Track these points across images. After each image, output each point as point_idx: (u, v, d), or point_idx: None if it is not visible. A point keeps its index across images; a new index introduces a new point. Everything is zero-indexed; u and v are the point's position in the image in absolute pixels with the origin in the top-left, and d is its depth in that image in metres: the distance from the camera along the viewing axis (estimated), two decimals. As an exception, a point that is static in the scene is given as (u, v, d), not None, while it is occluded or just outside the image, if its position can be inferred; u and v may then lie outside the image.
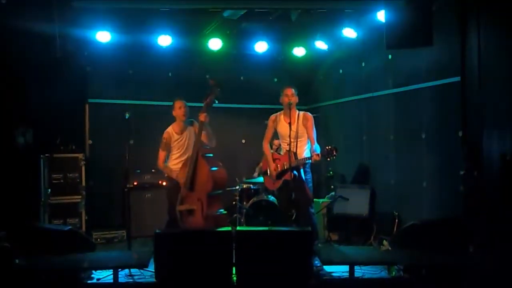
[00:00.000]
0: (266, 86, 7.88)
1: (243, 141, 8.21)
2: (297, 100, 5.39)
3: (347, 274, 4.40)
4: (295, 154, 5.19)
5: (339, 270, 4.72)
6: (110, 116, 7.11)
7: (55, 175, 6.58)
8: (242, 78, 8.25)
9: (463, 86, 5.31)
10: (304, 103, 8.11)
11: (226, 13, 6.51)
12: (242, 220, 6.77)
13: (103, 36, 6.71)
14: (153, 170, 5.74)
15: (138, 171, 6.96)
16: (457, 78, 5.36)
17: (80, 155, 6.73)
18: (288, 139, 5.15)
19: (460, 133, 5.33)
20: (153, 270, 4.35)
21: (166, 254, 4.28)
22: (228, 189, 6.68)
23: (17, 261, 4.35)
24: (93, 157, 7.14)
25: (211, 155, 5.49)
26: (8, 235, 4.58)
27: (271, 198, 6.69)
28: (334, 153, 4.92)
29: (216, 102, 5.40)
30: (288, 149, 5.16)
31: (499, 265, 4.19)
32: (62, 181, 6.60)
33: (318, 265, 4.72)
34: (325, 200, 6.94)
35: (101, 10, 6.26)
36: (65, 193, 6.59)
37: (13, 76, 6.32)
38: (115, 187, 6.99)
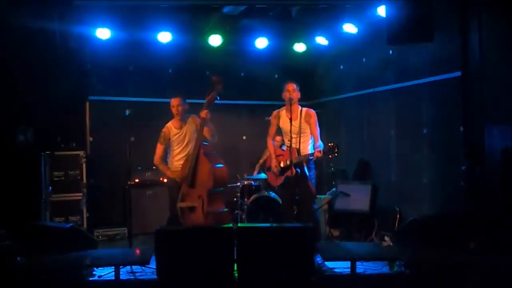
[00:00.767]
0: (267, 82, 7.87)
1: (244, 137, 8.20)
2: (299, 96, 5.38)
3: (349, 270, 4.40)
4: (298, 150, 5.18)
5: (340, 266, 4.71)
6: (111, 113, 7.11)
7: (56, 173, 6.59)
8: (242, 74, 8.25)
9: (464, 81, 5.30)
10: (305, 99, 8.09)
11: (226, 9, 6.49)
12: (243, 216, 6.77)
13: (103, 33, 6.70)
14: (154, 168, 5.74)
15: (139, 168, 6.96)
16: (458, 73, 5.35)
17: (81, 153, 6.73)
18: (289, 135, 5.13)
19: (461, 129, 5.31)
20: (155, 267, 4.35)
21: (167, 251, 4.28)
22: (229, 185, 6.69)
23: (18, 259, 4.35)
24: (94, 155, 7.15)
25: (214, 152, 5.48)
26: (9, 233, 4.58)
27: (273, 194, 6.69)
28: (336, 151, 4.91)
29: (218, 98, 5.39)
30: (292, 145, 5.15)
31: (500, 260, 4.19)
32: (63, 178, 6.61)
33: (320, 261, 4.72)
34: (326, 196, 6.93)
35: (101, 7, 6.25)
36: (66, 191, 6.60)
37: (14, 73, 6.32)
38: (116, 184, 6.99)
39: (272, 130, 5.59)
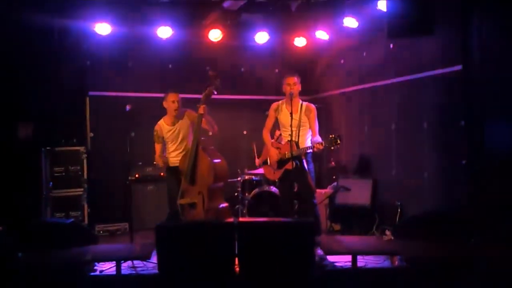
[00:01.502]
0: (267, 77, 7.85)
1: (245, 132, 8.19)
2: (299, 89, 5.36)
3: (350, 264, 4.40)
4: (297, 143, 5.17)
5: (341, 260, 4.72)
6: (111, 109, 7.09)
7: (56, 168, 6.59)
8: (242, 69, 8.23)
9: (465, 74, 5.27)
10: (305, 94, 8.08)
11: (226, 4, 6.47)
12: (244, 211, 6.78)
13: (103, 29, 6.68)
14: (154, 163, 5.74)
15: (140, 163, 6.96)
16: (459, 67, 5.33)
17: (82, 148, 6.73)
18: (290, 129, 5.12)
19: (463, 123, 5.30)
20: (156, 262, 4.36)
21: (168, 246, 4.28)
22: (229, 180, 6.69)
23: (19, 255, 4.36)
24: (95, 150, 7.14)
25: (212, 147, 5.48)
26: (10, 229, 4.58)
27: (273, 189, 6.69)
28: (338, 142, 4.90)
29: (215, 93, 5.37)
30: (289, 138, 5.14)
31: (501, 256, 4.19)
32: (63, 174, 6.62)
33: (321, 255, 4.73)
34: (327, 191, 6.93)
35: (100, 2, 6.23)
36: (67, 186, 6.61)
37: (13, 69, 6.31)
38: (117, 180, 6.97)
39: (270, 122, 5.56)
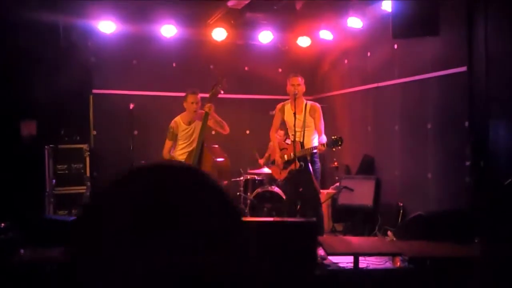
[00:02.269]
0: (271, 77, 7.85)
1: (248, 131, 8.19)
2: (303, 89, 5.36)
3: (352, 264, 4.39)
4: (302, 143, 5.16)
5: (343, 261, 4.71)
6: (115, 107, 7.09)
7: (59, 166, 6.60)
8: (246, 68, 8.22)
9: (470, 76, 5.25)
10: (309, 94, 8.07)
11: (230, 3, 6.46)
12: (246, 211, 6.77)
13: (107, 27, 6.69)
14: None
15: (143, 161, 6.96)
16: (464, 68, 5.31)
17: (85, 146, 6.73)
18: (293, 129, 5.11)
19: (467, 124, 5.28)
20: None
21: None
22: (232, 179, 6.68)
23: (22, 251, 4.36)
24: (98, 148, 7.15)
25: (216, 145, 5.48)
26: (13, 225, 4.58)
27: (276, 189, 6.68)
28: (340, 143, 4.88)
29: (221, 92, 5.38)
30: (296, 139, 5.13)
31: (505, 256, 4.17)
32: (66, 172, 6.62)
33: (323, 255, 4.71)
34: (330, 191, 6.92)
35: (105, 0, 6.24)
36: (70, 184, 6.61)
37: (17, 67, 6.32)
38: (119, 178, 6.97)
39: (276, 122, 5.56)
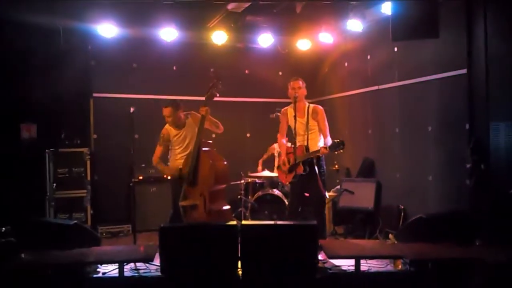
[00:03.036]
0: (271, 80, 7.85)
1: (248, 135, 8.19)
2: (305, 93, 5.35)
3: (353, 267, 4.39)
4: (307, 147, 5.15)
5: (345, 264, 4.71)
6: (115, 110, 7.08)
7: (60, 170, 6.60)
8: (246, 71, 8.23)
9: (470, 78, 5.26)
10: (310, 97, 8.07)
11: (230, 6, 6.47)
12: (247, 214, 6.77)
13: (107, 30, 6.69)
14: (154, 164, 5.74)
15: (143, 165, 6.96)
16: (464, 71, 5.31)
17: (85, 150, 6.74)
18: (295, 132, 5.11)
19: (467, 126, 5.28)
20: (159, 264, 4.35)
21: (171, 248, 4.28)
22: (233, 183, 6.68)
23: (22, 255, 4.36)
24: (98, 152, 7.15)
25: (214, 149, 5.47)
26: (13, 229, 4.59)
27: (276, 192, 6.68)
28: (342, 147, 4.89)
29: (217, 95, 5.37)
30: (299, 143, 5.13)
31: (505, 258, 4.17)
32: (67, 175, 6.63)
33: (324, 258, 4.71)
34: (330, 194, 6.91)
35: (105, 4, 6.25)
36: (70, 188, 6.62)
37: (18, 70, 6.33)
38: (120, 182, 6.99)
39: (282, 127, 5.55)
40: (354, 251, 4.52)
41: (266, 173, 6.89)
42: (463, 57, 5.30)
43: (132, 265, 4.71)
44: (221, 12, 6.78)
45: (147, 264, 4.69)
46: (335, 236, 6.43)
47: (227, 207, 5.41)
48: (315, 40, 7.54)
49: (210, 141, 5.50)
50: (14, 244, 4.43)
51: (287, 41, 7.90)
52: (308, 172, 5.14)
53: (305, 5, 6.49)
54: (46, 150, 6.54)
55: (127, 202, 6.88)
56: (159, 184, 6.98)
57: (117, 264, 4.38)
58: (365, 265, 4.59)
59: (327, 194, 6.75)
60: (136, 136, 6.39)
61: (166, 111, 5.49)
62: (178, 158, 5.52)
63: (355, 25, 6.55)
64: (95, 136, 7.28)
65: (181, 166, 5.41)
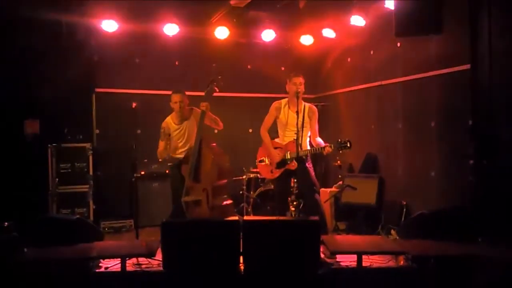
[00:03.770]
0: (274, 75, 7.84)
1: (250, 130, 8.18)
2: (303, 89, 5.34)
3: (355, 263, 4.38)
4: (300, 144, 5.16)
5: (347, 260, 4.70)
6: (117, 106, 7.10)
7: (62, 165, 6.61)
8: (249, 67, 8.22)
9: (473, 74, 5.23)
10: (312, 92, 8.06)
11: (233, 1, 6.45)
12: (249, 209, 6.77)
13: (110, 25, 6.69)
14: (160, 160, 5.74)
15: (146, 160, 6.97)
16: (467, 66, 5.28)
17: (88, 145, 6.74)
18: (296, 128, 5.10)
19: (470, 122, 5.26)
20: (161, 259, 4.36)
21: (173, 244, 4.28)
22: (235, 178, 6.68)
23: (25, 250, 4.37)
24: (101, 147, 7.16)
25: (215, 144, 5.47)
26: (16, 224, 4.60)
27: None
28: (348, 146, 4.92)
29: (217, 90, 5.35)
30: (294, 138, 5.12)
31: (508, 255, 4.16)
32: (69, 170, 6.64)
33: (326, 254, 4.71)
34: (332, 190, 6.91)
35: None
36: (73, 183, 6.63)
37: (20, 66, 6.33)
38: (122, 177, 7.00)
39: (269, 121, 5.51)
40: (356, 246, 4.51)
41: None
42: (466, 52, 5.26)
43: (134, 260, 4.72)
44: (224, 7, 6.77)
45: (149, 259, 4.70)
46: (337, 232, 6.43)
47: (229, 201, 5.42)
48: (318, 35, 7.52)
49: (211, 136, 5.50)
50: (17, 239, 4.44)
51: (290, 37, 7.88)
52: (301, 167, 5.15)
53: (308, 1, 6.47)
54: (49, 145, 6.55)
55: (130, 197, 6.89)
56: (162, 180, 6.99)
57: (120, 259, 4.38)
58: (367, 261, 4.59)
59: (329, 190, 6.78)
60: (139, 131, 6.41)
61: (177, 97, 5.44)
62: (179, 153, 5.52)
63: (358, 20, 6.53)
64: (97, 131, 7.29)
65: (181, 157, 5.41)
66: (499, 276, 3.94)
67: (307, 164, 5.24)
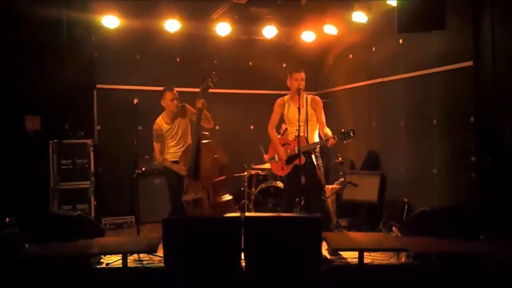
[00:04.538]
0: (275, 72, 7.82)
1: (252, 127, 8.17)
2: (304, 85, 5.33)
3: (357, 260, 4.37)
4: (306, 138, 5.14)
5: (348, 256, 4.70)
6: (119, 102, 7.09)
7: (64, 161, 6.61)
8: (250, 63, 8.20)
9: (476, 71, 5.21)
10: (314, 89, 8.04)
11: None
12: (250, 206, 6.77)
13: (111, 22, 6.67)
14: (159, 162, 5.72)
15: (147, 156, 6.96)
16: (470, 63, 5.26)
17: (89, 141, 6.74)
18: (297, 124, 5.09)
19: (472, 119, 5.24)
20: (162, 256, 4.36)
21: (174, 240, 4.28)
22: (236, 175, 6.67)
23: (26, 246, 4.37)
24: (102, 143, 7.16)
25: (212, 140, 5.45)
26: (17, 220, 4.60)
27: (280, 183, 6.67)
28: (352, 135, 4.89)
29: (212, 86, 5.31)
30: (297, 133, 5.11)
31: (510, 253, 4.15)
32: (71, 167, 6.63)
33: (327, 251, 4.71)
34: (334, 186, 6.90)
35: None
36: (74, 179, 6.62)
37: (21, 62, 6.31)
38: (123, 173, 7.00)
39: (275, 118, 5.52)
40: (357, 243, 4.51)
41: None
42: (469, 49, 5.24)
43: (135, 256, 4.73)
44: (225, 4, 6.75)
45: (150, 256, 4.70)
46: (339, 228, 6.42)
47: (230, 197, 5.39)
48: (319, 32, 7.50)
49: (207, 133, 5.45)
50: (18, 235, 4.44)
51: (291, 33, 7.86)
52: (308, 162, 5.14)
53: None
54: (50, 142, 6.54)
55: (131, 193, 6.88)
56: (163, 176, 6.96)
57: (121, 255, 4.38)
58: (368, 258, 4.59)
59: (330, 187, 6.78)
60: (140, 127, 6.39)
61: (172, 95, 5.38)
62: (172, 152, 5.44)
63: (360, 16, 6.51)
64: (98, 127, 7.28)
65: (177, 159, 5.35)
66: (501, 274, 3.93)
67: (315, 160, 5.21)
